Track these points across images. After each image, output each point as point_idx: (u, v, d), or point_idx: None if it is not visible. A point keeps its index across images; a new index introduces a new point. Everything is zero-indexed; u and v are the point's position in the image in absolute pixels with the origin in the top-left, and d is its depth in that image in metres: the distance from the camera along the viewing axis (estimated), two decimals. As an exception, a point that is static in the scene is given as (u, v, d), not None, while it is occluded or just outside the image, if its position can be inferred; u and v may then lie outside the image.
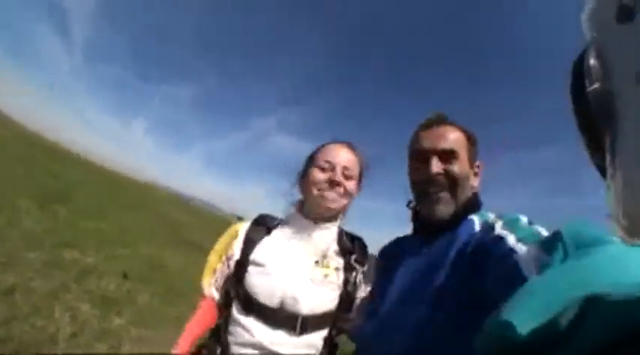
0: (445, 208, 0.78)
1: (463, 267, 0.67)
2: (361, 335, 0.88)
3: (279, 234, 0.99)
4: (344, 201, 0.95)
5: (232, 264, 0.97)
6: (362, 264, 0.97)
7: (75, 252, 3.58)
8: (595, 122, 0.28)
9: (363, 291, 0.96)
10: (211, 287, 0.98)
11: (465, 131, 0.85)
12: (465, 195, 0.81)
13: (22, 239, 3.22)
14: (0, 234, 3.12)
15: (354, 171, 0.95)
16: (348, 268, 0.95)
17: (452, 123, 0.86)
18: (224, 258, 0.99)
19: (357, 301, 0.96)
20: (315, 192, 0.92)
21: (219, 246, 1.02)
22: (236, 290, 0.92)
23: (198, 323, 0.98)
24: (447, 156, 0.80)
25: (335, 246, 0.99)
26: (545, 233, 0.56)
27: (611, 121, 0.26)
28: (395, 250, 0.91)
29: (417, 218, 0.89)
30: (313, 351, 0.91)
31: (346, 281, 0.94)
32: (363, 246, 1.03)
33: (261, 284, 0.89)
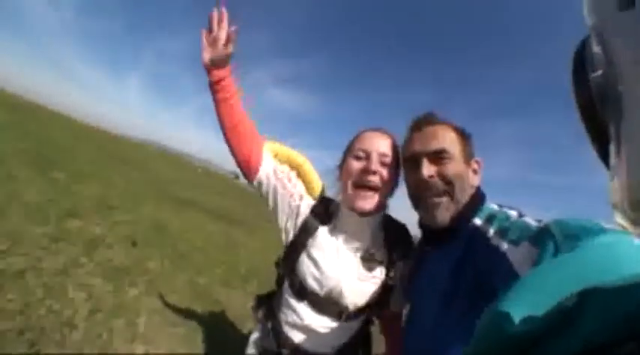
0: (445, 213, 0.76)
1: (468, 277, 0.68)
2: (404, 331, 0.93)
3: (330, 228, 1.00)
4: (378, 198, 0.91)
5: (293, 205, 1.00)
6: (405, 258, 0.98)
7: (79, 221, 3.56)
8: (598, 110, 0.28)
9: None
10: (269, 153, 1.04)
11: (456, 128, 0.83)
12: (464, 196, 0.78)
13: (26, 213, 3.17)
14: (1, 209, 3.06)
15: (391, 156, 0.93)
16: (391, 263, 0.97)
17: (442, 122, 0.83)
18: (290, 178, 1.05)
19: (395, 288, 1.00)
20: (349, 183, 0.92)
21: (288, 162, 1.12)
22: (290, 278, 1.00)
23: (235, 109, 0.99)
24: (439, 156, 0.78)
25: (381, 238, 0.99)
26: (534, 223, 0.57)
27: (614, 109, 0.26)
28: (417, 255, 0.94)
29: (422, 224, 0.88)
30: (352, 333, 1.02)
31: (387, 275, 0.96)
32: (407, 237, 1.02)
33: (313, 276, 0.94)
